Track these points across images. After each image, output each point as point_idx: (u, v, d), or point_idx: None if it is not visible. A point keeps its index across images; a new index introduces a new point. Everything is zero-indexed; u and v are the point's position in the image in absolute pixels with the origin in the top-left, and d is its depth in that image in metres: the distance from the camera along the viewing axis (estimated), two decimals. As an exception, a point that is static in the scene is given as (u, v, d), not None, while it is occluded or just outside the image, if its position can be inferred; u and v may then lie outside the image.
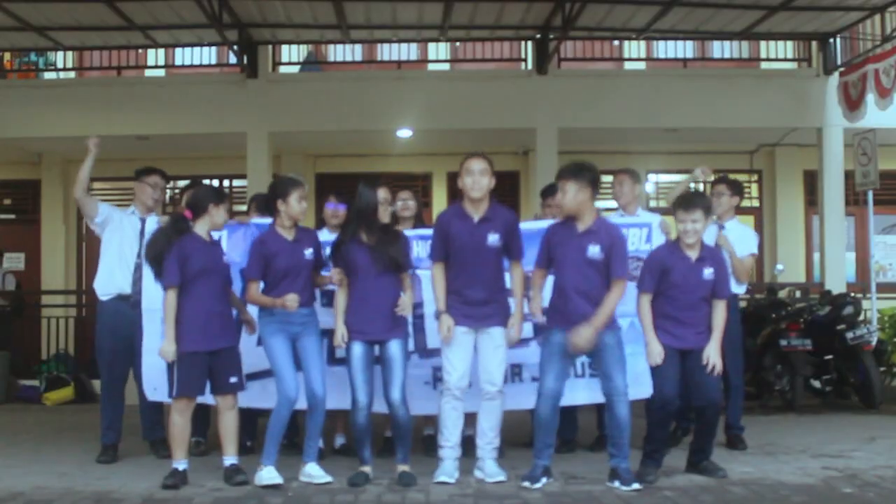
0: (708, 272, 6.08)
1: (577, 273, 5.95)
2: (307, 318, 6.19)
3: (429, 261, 6.38)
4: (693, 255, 6.10)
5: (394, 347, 6.03)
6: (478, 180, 6.05)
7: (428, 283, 6.45)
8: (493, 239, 6.06)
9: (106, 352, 7.01)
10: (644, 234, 6.89)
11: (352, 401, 6.05)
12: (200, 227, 6.09)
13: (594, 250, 5.92)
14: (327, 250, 6.38)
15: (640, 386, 6.27)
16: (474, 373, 6.18)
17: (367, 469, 6.09)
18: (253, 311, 6.35)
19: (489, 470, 6.09)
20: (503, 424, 6.30)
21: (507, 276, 6.27)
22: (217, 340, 6.01)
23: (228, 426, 6.13)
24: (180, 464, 6.02)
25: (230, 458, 6.11)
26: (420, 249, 6.80)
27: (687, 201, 6.13)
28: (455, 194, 13.06)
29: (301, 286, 6.14)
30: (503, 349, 6.13)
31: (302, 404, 6.21)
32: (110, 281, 7.01)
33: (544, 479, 6.02)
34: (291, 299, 5.95)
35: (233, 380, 6.07)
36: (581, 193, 5.96)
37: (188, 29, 11.13)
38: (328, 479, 6.05)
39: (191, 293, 5.97)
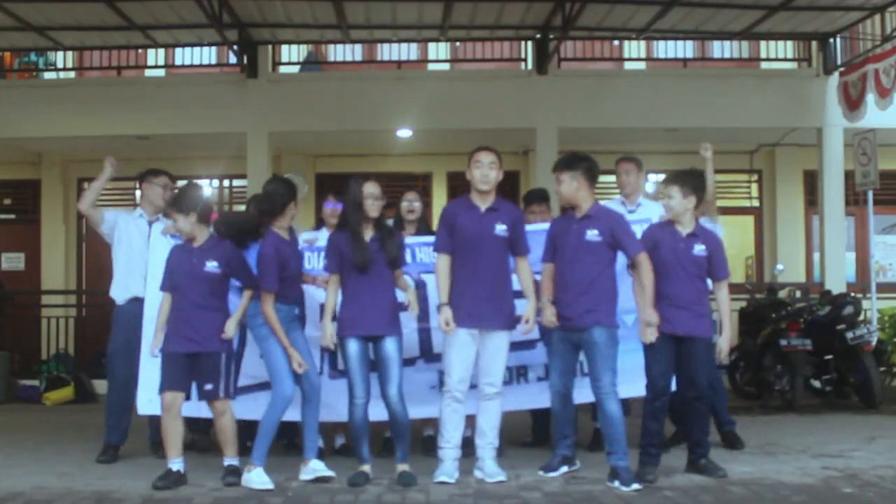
0: (699, 248, 6.10)
1: (574, 257, 6.06)
2: (297, 314, 6.27)
3: (431, 265, 6.42)
4: (683, 230, 6.14)
5: (389, 345, 6.03)
6: (486, 172, 6.11)
7: (433, 289, 6.49)
8: (501, 229, 6.10)
9: (118, 352, 7.00)
10: (643, 229, 6.88)
11: (349, 396, 6.06)
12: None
13: (592, 234, 6.05)
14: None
15: (637, 383, 6.28)
16: (474, 374, 6.19)
17: (366, 468, 6.09)
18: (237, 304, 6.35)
19: (489, 470, 6.09)
20: (503, 424, 6.31)
21: (513, 278, 6.28)
22: (192, 345, 6.01)
23: (221, 430, 6.15)
24: (174, 463, 6.02)
25: (229, 460, 6.13)
26: (423, 255, 6.82)
27: (668, 177, 6.24)
28: (455, 193, 13.08)
29: (297, 285, 6.27)
30: (505, 352, 6.14)
31: (293, 415, 6.25)
32: (125, 288, 7.04)
33: (564, 468, 6.23)
34: (299, 363, 6.04)
35: (207, 387, 6.05)
36: (575, 182, 6.11)
37: (188, 29, 11.13)
38: (331, 473, 6.06)
39: (175, 298, 6.11)
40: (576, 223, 6.13)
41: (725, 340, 6.19)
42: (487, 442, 6.15)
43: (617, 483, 5.87)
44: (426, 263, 6.79)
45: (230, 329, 6.09)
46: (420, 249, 6.86)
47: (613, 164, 7.58)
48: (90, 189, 7.16)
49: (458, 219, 6.13)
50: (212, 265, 6.05)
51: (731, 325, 6.26)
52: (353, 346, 6.02)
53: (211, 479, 6.13)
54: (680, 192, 6.11)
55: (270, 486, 5.89)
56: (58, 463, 6.84)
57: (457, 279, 6.09)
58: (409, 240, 6.80)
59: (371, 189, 6.10)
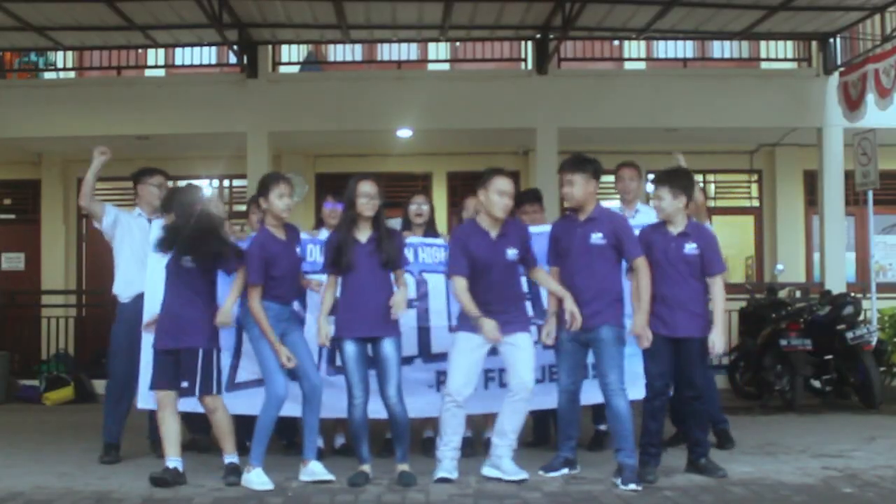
0: (690, 247, 6.10)
1: (580, 261, 6.08)
2: (294, 314, 6.29)
3: (436, 267, 6.54)
4: (674, 230, 6.15)
5: (387, 346, 6.03)
6: (508, 203, 6.08)
7: (433, 288, 6.57)
8: (512, 254, 6.10)
9: (120, 350, 6.98)
10: None
11: (348, 397, 6.06)
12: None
13: (597, 237, 6.07)
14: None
15: (636, 387, 6.30)
16: (480, 379, 6.21)
17: (366, 468, 6.09)
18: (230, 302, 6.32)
19: (508, 468, 6.05)
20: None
21: (523, 280, 6.34)
22: (172, 341, 6.04)
23: (216, 427, 6.17)
24: (171, 461, 6.02)
25: (228, 457, 6.13)
26: (425, 256, 6.84)
27: (656, 179, 6.24)
28: (455, 193, 13.08)
29: (292, 285, 6.25)
30: (530, 352, 6.09)
31: (294, 411, 6.26)
32: (129, 284, 7.01)
33: (565, 470, 6.21)
34: (288, 358, 6.02)
35: (183, 384, 6.05)
36: (588, 185, 6.13)
37: (188, 29, 11.13)
38: (330, 476, 6.05)
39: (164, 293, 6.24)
40: (580, 227, 6.14)
41: (718, 334, 6.13)
42: (507, 442, 6.10)
43: (619, 480, 5.89)
44: (428, 263, 6.82)
45: (221, 317, 6.07)
46: (423, 249, 6.88)
47: (613, 164, 7.58)
48: (85, 181, 7.07)
49: (470, 245, 6.06)
50: (185, 259, 6.07)
51: (723, 319, 6.20)
52: (350, 348, 6.02)
53: (211, 479, 6.13)
54: (670, 192, 6.12)
55: (270, 486, 5.89)
56: (58, 463, 6.84)
57: (472, 296, 6.04)
58: (412, 239, 6.82)
59: (365, 188, 6.07)
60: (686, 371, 6.14)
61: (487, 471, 6.12)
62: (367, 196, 6.05)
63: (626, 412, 6.01)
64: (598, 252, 6.07)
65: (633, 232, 6.22)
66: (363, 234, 6.09)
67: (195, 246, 6.03)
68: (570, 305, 6.02)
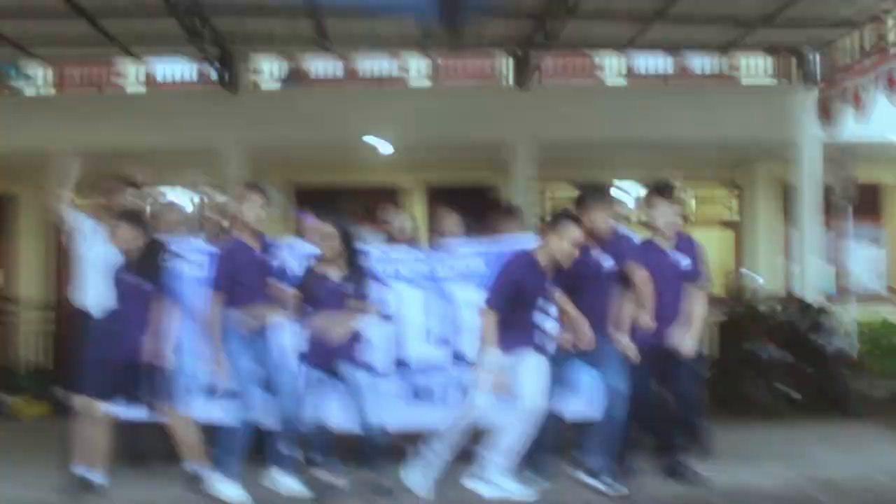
0: (685, 262, 6.25)
1: (594, 291, 6.15)
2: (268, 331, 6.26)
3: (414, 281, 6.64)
4: (668, 246, 6.29)
5: (353, 376, 6.04)
6: (575, 252, 6.03)
7: (410, 304, 6.70)
8: (553, 288, 6.15)
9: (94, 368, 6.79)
10: None
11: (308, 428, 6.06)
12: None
13: (609, 265, 6.17)
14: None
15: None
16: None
17: (338, 482, 6.05)
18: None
19: (514, 489, 5.97)
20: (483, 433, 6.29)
21: None
22: (121, 353, 6.01)
23: (181, 439, 6.15)
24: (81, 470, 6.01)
25: (192, 465, 6.12)
26: (405, 270, 6.87)
27: (657, 192, 6.37)
28: (434, 205, 13.07)
29: (262, 298, 6.20)
30: (541, 370, 6.04)
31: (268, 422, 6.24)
32: (101, 294, 6.63)
33: (545, 483, 6.14)
34: (218, 363, 6.04)
35: (145, 400, 6.07)
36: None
37: (169, 45, 11.13)
38: (305, 491, 6.01)
39: None
40: (593, 256, 6.18)
41: (690, 333, 6.20)
42: (509, 461, 5.99)
43: (598, 482, 5.95)
44: (406, 277, 6.86)
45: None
46: (402, 264, 6.90)
47: (593, 178, 7.61)
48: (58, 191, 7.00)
49: (524, 282, 6.02)
50: (146, 283, 6.12)
51: (698, 324, 6.30)
52: (312, 376, 6.05)
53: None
54: (671, 205, 6.28)
55: (243, 498, 5.87)
56: (35, 478, 6.74)
57: (502, 319, 6.02)
58: (393, 254, 6.89)
59: (322, 229, 6.14)
60: (681, 386, 6.26)
61: (489, 491, 5.97)
62: (321, 237, 6.12)
63: (619, 419, 6.01)
64: (608, 281, 6.17)
65: (637, 253, 6.28)
66: (333, 272, 6.11)
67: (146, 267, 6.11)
68: (585, 330, 6.05)
